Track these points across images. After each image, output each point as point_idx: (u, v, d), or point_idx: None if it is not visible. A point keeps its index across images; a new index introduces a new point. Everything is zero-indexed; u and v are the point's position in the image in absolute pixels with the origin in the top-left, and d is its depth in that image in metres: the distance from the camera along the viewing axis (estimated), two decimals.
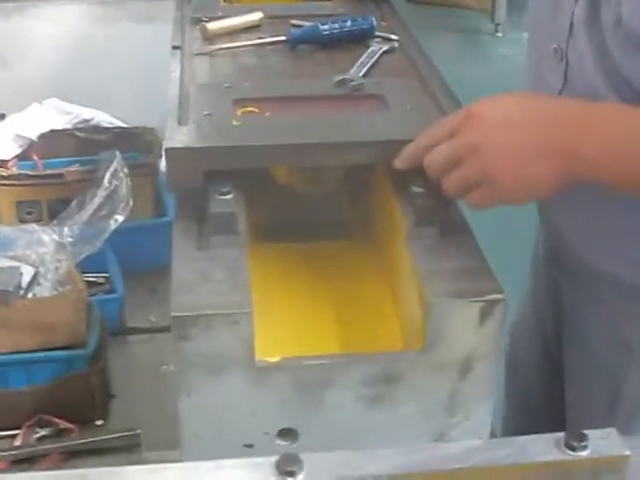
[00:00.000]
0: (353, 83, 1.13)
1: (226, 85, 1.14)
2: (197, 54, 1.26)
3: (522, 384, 1.61)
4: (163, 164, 1.71)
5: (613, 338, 1.29)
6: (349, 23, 1.28)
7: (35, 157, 1.71)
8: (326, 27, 1.26)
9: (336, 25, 1.27)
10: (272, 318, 1.01)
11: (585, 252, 1.24)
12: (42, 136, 1.73)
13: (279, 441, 0.98)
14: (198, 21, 1.35)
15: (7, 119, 1.84)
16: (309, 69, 1.24)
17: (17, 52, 2.03)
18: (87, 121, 1.78)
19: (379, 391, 0.96)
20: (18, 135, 1.69)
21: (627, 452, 0.67)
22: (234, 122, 1.05)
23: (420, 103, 1.12)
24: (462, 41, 5.83)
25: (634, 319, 1.25)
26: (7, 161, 1.66)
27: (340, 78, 1.14)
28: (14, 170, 1.63)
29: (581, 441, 0.66)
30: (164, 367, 1.45)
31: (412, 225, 1.01)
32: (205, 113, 1.06)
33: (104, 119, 1.86)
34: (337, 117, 1.09)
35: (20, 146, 1.70)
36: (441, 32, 5.68)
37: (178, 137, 1.03)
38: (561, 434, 0.67)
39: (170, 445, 1.21)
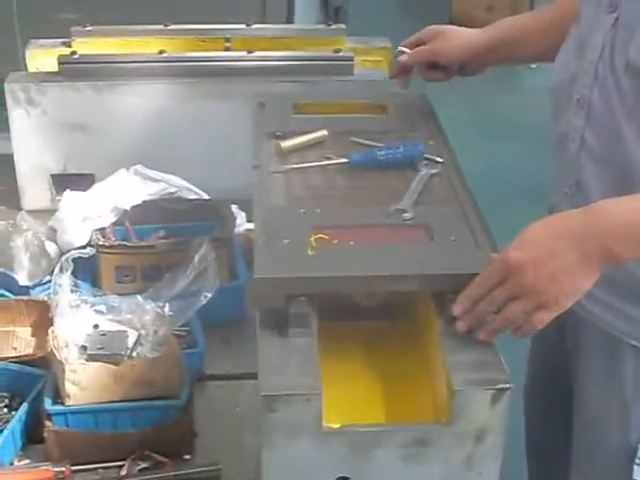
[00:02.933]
0: (405, 215, 1.41)
1: (302, 211, 1.44)
2: (274, 172, 1.55)
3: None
4: (236, 234, 2.02)
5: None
6: (401, 149, 1.55)
7: (127, 224, 2.01)
8: (382, 153, 1.55)
9: (390, 151, 1.55)
10: (335, 391, 1.30)
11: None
12: (134, 205, 2.02)
13: None
14: (273, 135, 1.64)
15: (98, 185, 2.12)
16: (368, 192, 1.51)
17: (107, 123, 2.26)
18: (171, 193, 2.07)
19: (414, 452, 1.25)
20: (115, 206, 1.98)
21: None
22: (309, 251, 1.34)
23: (460, 235, 1.39)
24: (497, 74, 6.04)
25: None
26: (105, 229, 1.96)
27: (395, 208, 1.42)
28: (112, 239, 1.93)
29: None
30: (237, 409, 1.74)
31: (444, 322, 1.31)
32: (285, 242, 1.35)
33: (184, 186, 2.14)
34: (392, 248, 1.36)
35: (115, 215, 1.99)
36: None
37: (264, 266, 1.31)
38: None
39: (247, 478, 1.52)
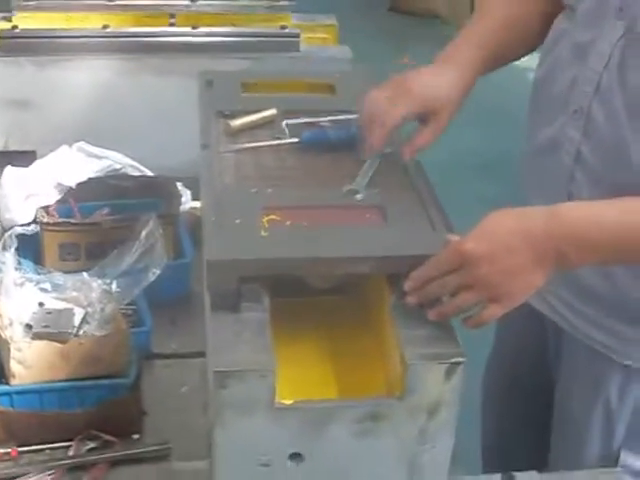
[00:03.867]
0: (358, 196, 1.40)
1: (253, 191, 1.41)
2: (223, 152, 1.52)
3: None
4: (182, 212, 2.00)
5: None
6: (353, 129, 1.54)
7: (72, 201, 1.98)
8: (333, 132, 1.53)
9: (342, 130, 1.54)
10: (287, 367, 1.28)
11: None
12: (79, 183, 1.99)
13: (289, 462, 1.26)
14: (221, 114, 1.61)
15: (40, 162, 2.09)
16: (320, 173, 1.49)
17: (49, 98, 2.24)
18: (116, 170, 2.04)
19: (367, 427, 1.24)
20: (59, 183, 1.95)
21: None
22: (262, 232, 1.31)
23: (415, 216, 1.37)
24: (439, 49, 6.04)
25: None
26: (50, 207, 1.92)
27: (348, 189, 1.41)
28: (57, 217, 1.90)
29: None
30: (185, 387, 1.73)
31: (397, 299, 1.31)
32: (237, 222, 1.32)
33: (128, 164, 2.11)
34: (345, 230, 1.34)
35: (59, 192, 1.96)
36: (421, 41, 5.89)
37: (215, 248, 1.27)
38: (497, 476, 0.97)
39: (196, 455, 1.50)
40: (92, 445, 1.55)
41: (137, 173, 2.08)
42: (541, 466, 1.58)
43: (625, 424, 1.57)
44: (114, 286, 1.60)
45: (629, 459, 1.58)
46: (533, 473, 0.96)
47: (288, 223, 1.35)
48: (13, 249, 1.64)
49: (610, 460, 1.58)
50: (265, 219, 1.35)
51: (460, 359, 1.22)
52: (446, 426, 1.26)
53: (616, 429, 1.57)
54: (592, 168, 1.46)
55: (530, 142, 1.61)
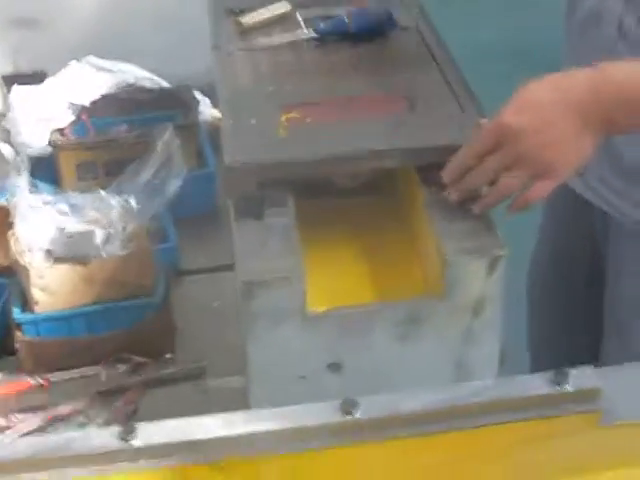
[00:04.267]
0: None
1: (270, 89, 1.32)
2: (236, 51, 1.42)
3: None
4: (202, 121, 1.92)
5: None
6: (373, 18, 1.44)
7: (85, 120, 1.90)
8: (352, 22, 1.43)
9: (362, 20, 1.44)
10: (318, 273, 1.22)
11: None
12: (92, 101, 1.91)
13: (327, 373, 1.20)
14: (231, 12, 1.52)
15: (50, 80, 2.01)
16: (341, 65, 1.40)
17: (50, 14, 2.15)
18: (130, 84, 1.95)
19: (407, 330, 1.17)
20: (72, 103, 1.86)
21: (599, 385, 0.89)
22: (281, 131, 1.22)
23: (444, 103, 1.28)
24: None
25: None
26: (64, 129, 1.84)
27: None
28: (72, 137, 1.82)
29: (564, 378, 0.89)
30: (217, 302, 1.67)
31: (430, 193, 1.22)
32: (254, 123, 1.24)
33: (142, 76, 2.02)
34: (369, 122, 1.25)
35: (73, 112, 1.88)
36: None
37: (232, 152, 1.20)
38: (549, 372, 0.90)
39: (232, 372, 1.43)
40: (124, 368, 1.49)
41: (151, 85, 1.99)
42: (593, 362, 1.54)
43: None
44: (133, 202, 1.52)
45: None
46: (587, 368, 0.88)
47: (308, 120, 1.26)
48: (26, 172, 1.56)
49: None
50: (284, 118, 1.26)
51: (502, 252, 1.14)
52: (491, 324, 1.19)
53: None
54: (636, 39, 1.35)
55: (570, 18, 1.50)
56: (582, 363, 1.32)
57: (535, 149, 1.13)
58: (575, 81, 1.16)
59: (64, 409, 1.43)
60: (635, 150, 1.41)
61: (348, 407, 0.88)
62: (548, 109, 1.13)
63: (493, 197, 1.17)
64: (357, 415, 0.87)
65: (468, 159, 1.16)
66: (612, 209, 1.51)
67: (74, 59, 2.07)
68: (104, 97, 1.92)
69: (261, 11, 1.50)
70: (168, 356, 1.53)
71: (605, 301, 1.61)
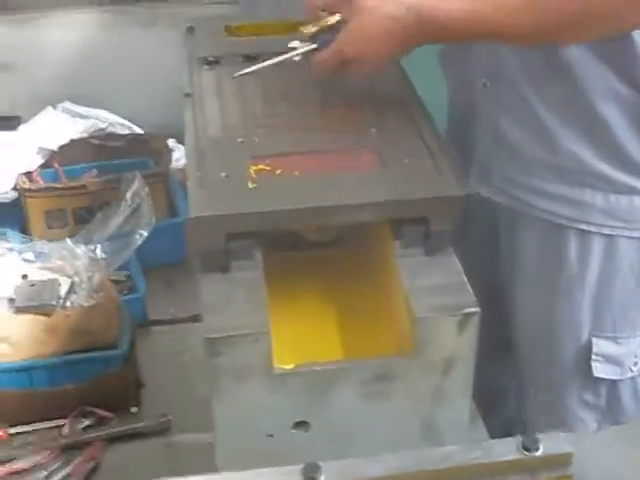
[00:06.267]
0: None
1: (239, 140, 1.28)
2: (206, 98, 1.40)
3: None
4: (173, 167, 1.90)
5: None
6: None
7: (56, 166, 1.87)
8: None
9: None
10: (286, 329, 1.19)
11: None
12: (62, 146, 1.88)
13: (294, 431, 1.17)
14: (205, 61, 1.49)
15: (23, 127, 1.99)
16: (311, 118, 1.36)
17: (28, 59, 2.13)
18: (102, 129, 1.93)
19: (376, 389, 1.13)
20: (41, 147, 1.84)
21: (571, 450, 0.87)
22: (249, 184, 1.18)
23: (416, 157, 1.25)
24: None
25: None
26: (32, 172, 1.81)
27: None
28: (40, 182, 1.79)
29: (535, 444, 0.86)
30: (185, 355, 1.63)
31: (401, 247, 1.19)
32: (222, 175, 1.20)
33: (115, 121, 2.01)
34: (341, 176, 1.22)
35: (42, 157, 1.86)
36: None
37: (199, 204, 1.15)
38: (519, 437, 0.87)
39: (199, 427, 1.37)
40: (87, 422, 1.46)
41: (125, 131, 1.97)
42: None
43: (590, 300, 1.48)
44: (99, 252, 1.49)
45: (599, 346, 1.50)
46: (558, 433, 0.86)
47: (278, 172, 1.23)
48: None
49: (584, 353, 1.51)
50: (253, 169, 1.23)
51: (474, 309, 1.11)
52: (462, 384, 1.16)
53: (582, 314, 1.49)
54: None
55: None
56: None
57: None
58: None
59: (24, 463, 1.39)
60: (529, 138, 1.44)
61: (311, 472, 0.84)
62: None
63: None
64: None
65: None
66: (516, 202, 1.50)
67: (50, 105, 2.05)
68: (74, 142, 1.90)
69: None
70: (133, 410, 1.50)
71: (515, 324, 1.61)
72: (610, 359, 1.51)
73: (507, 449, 0.86)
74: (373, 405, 1.15)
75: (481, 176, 1.51)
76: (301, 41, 1.37)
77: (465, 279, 1.16)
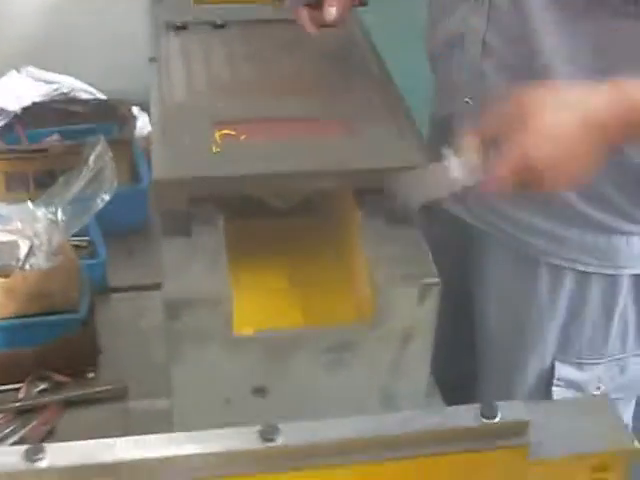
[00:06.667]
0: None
1: (204, 105, 1.28)
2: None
3: None
4: (137, 134, 1.88)
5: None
6: None
7: (19, 129, 1.85)
8: None
9: None
10: (247, 295, 1.19)
11: None
12: (24, 108, 1.86)
13: (252, 397, 1.16)
14: (172, 26, 1.49)
15: None
16: (279, 82, 1.36)
17: None
18: (65, 94, 1.91)
19: (336, 357, 1.14)
20: (2, 109, 1.81)
21: (528, 418, 0.87)
22: (213, 148, 1.19)
23: (381, 127, 1.25)
24: None
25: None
26: None
27: None
28: (1, 145, 1.77)
29: (493, 411, 0.87)
30: (143, 322, 1.61)
31: (365, 216, 1.19)
32: (186, 139, 1.20)
33: (79, 87, 1.98)
34: (307, 143, 1.22)
35: (3, 119, 1.83)
36: None
37: (162, 167, 1.15)
38: (477, 405, 0.87)
39: (156, 393, 1.38)
40: (43, 386, 1.44)
41: (88, 96, 1.95)
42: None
43: (558, 328, 1.46)
44: (60, 215, 1.48)
45: (562, 371, 1.48)
46: (517, 402, 0.86)
47: (243, 138, 1.23)
48: None
49: (546, 377, 1.49)
50: (218, 134, 1.23)
51: (435, 279, 1.12)
52: (421, 354, 1.16)
53: (547, 337, 1.47)
54: (500, 57, 1.33)
55: (430, 40, 1.48)
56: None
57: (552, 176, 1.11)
58: (591, 99, 1.10)
59: None
60: None
61: (269, 433, 0.84)
62: (573, 144, 1.09)
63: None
64: (278, 442, 0.84)
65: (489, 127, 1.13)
66: (492, 228, 1.47)
67: (14, 69, 2.02)
68: (37, 105, 1.87)
69: None
70: (90, 375, 1.47)
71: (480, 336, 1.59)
72: (572, 385, 1.48)
73: (465, 416, 0.87)
74: (332, 373, 1.15)
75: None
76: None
77: (427, 250, 1.16)
